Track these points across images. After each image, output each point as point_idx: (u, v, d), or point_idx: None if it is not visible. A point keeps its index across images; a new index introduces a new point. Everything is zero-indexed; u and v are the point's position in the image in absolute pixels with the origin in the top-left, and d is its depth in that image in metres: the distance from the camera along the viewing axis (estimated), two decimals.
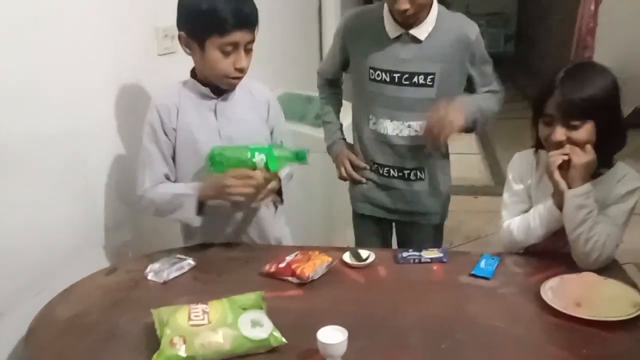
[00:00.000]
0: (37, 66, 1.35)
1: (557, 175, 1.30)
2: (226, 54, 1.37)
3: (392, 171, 1.72)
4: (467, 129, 1.65)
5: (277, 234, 1.65)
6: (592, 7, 4.99)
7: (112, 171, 1.65)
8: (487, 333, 1.13)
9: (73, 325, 1.21)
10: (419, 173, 1.72)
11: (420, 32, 1.59)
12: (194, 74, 1.48)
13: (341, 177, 1.84)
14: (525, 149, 1.50)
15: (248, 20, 1.37)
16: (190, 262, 1.43)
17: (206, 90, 1.46)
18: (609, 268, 1.32)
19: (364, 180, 1.78)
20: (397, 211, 1.79)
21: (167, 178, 1.49)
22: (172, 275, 1.38)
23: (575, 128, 1.30)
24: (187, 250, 1.51)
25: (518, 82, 6.20)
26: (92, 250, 1.58)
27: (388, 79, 1.62)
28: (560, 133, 1.30)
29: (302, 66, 3.54)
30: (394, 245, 1.92)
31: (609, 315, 1.11)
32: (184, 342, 1.04)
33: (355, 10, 1.74)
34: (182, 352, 1.03)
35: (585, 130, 1.29)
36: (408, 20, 1.57)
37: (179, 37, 1.42)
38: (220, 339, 1.05)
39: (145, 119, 1.49)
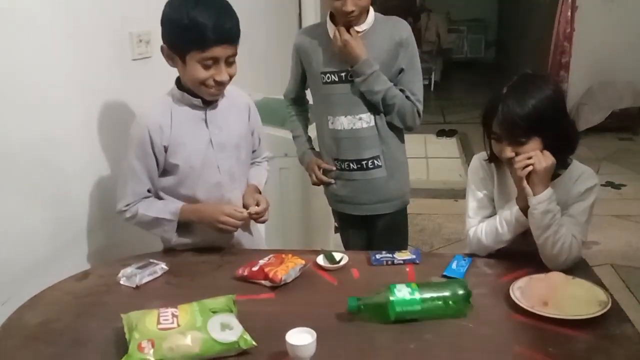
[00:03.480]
0: (9, 71, 1.34)
1: (525, 182, 1.32)
2: (207, 67, 1.38)
3: (351, 164, 1.83)
4: (367, 93, 1.73)
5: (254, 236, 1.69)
6: (569, 13, 5.08)
7: (86, 177, 1.64)
8: (455, 333, 1.14)
9: (41, 332, 1.20)
10: (376, 161, 1.82)
11: (357, 27, 1.72)
12: (179, 84, 1.48)
13: (314, 183, 1.95)
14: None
15: (228, 36, 1.37)
16: (163, 266, 1.43)
17: (197, 101, 1.46)
18: (577, 267, 1.35)
19: (332, 181, 1.89)
20: (361, 204, 1.87)
21: (149, 191, 1.50)
22: (144, 280, 1.38)
23: (522, 144, 1.32)
24: (160, 255, 1.51)
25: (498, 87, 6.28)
26: (65, 256, 1.56)
27: (337, 79, 1.77)
28: (508, 151, 1.34)
29: (282, 72, 3.56)
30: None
31: (575, 314, 1.13)
32: (153, 346, 1.04)
33: (300, 30, 1.94)
34: (151, 356, 1.02)
35: (532, 145, 1.32)
36: (351, 23, 1.70)
37: (162, 49, 1.41)
38: (189, 342, 1.05)
39: (130, 133, 1.46)
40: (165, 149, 1.45)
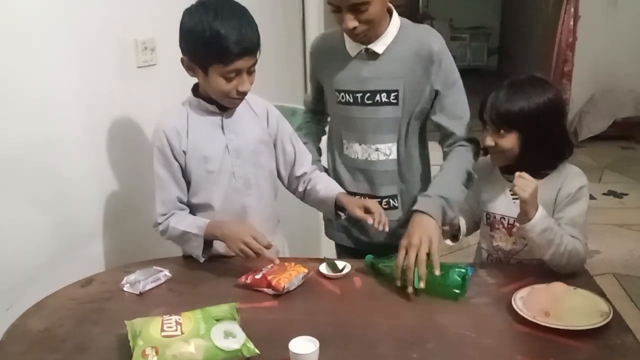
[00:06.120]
0: (13, 77, 1.35)
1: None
2: (229, 80, 1.37)
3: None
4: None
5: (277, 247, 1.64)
6: (572, 22, 5.10)
7: (89, 184, 1.65)
8: (457, 343, 1.14)
9: (45, 338, 1.20)
10: (392, 201, 1.60)
11: (378, 46, 1.49)
12: (196, 91, 1.48)
13: None
14: None
15: (251, 48, 1.36)
16: (166, 273, 1.44)
17: (213, 107, 1.46)
18: (579, 277, 1.35)
19: (343, 215, 1.55)
20: (372, 244, 1.64)
21: (180, 200, 1.50)
22: (147, 287, 1.38)
23: (501, 136, 1.40)
24: (164, 262, 1.51)
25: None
26: (69, 263, 1.56)
27: (352, 100, 1.54)
28: (488, 139, 1.42)
29: (287, 79, 3.57)
30: None
31: (576, 324, 1.13)
32: (156, 353, 1.04)
33: (320, 34, 1.72)
34: None
35: (510, 139, 1.39)
36: (361, 39, 1.47)
37: (182, 61, 1.40)
38: (192, 349, 1.06)
39: (152, 143, 1.48)
40: (185, 153, 1.46)
